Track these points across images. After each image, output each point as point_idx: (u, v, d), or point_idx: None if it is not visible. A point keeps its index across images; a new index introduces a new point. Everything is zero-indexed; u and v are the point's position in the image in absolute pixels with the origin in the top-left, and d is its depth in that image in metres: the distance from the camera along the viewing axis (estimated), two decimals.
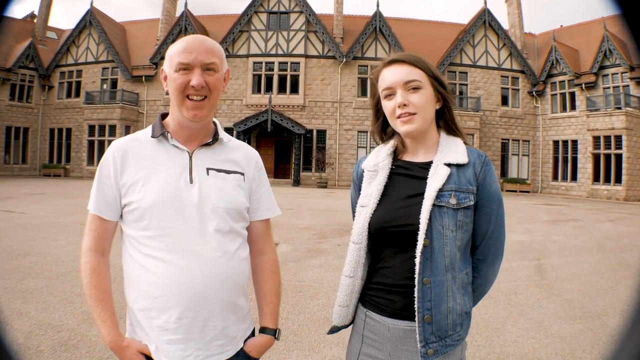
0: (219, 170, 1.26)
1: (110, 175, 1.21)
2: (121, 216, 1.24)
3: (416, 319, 1.16)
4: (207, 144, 1.28)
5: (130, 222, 1.21)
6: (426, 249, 1.16)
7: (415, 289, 1.16)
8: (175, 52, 1.21)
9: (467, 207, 1.19)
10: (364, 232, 1.24)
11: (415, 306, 1.16)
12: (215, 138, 1.29)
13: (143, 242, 1.19)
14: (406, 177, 1.26)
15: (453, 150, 1.24)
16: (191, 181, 1.21)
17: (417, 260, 1.15)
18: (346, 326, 1.35)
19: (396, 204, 1.23)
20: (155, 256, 1.17)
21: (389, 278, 1.23)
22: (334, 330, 1.35)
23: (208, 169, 1.25)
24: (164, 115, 1.32)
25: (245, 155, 1.35)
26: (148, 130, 1.28)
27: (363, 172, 1.34)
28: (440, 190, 1.17)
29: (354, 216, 1.35)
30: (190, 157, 1.24)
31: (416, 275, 1.16)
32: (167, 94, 1.22)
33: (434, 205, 1.16)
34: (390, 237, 1.22)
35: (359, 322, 1.30)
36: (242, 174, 1.31)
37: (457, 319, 1.18)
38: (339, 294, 1.30)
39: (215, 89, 1.22)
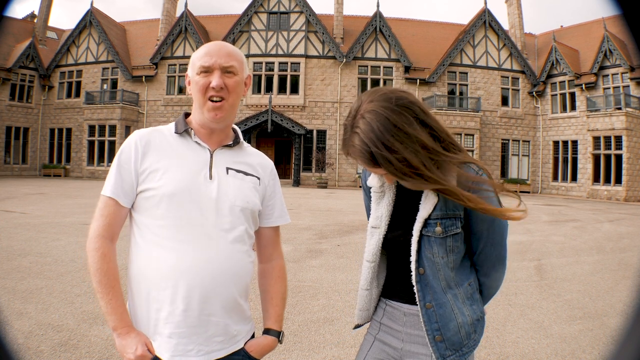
0: (237, 171, 1.31)
1: (130, 161, 1.22)
2: (133, 205, 1.25)
3: (427, 340, 1.20)
4: (228, 146, 1.33)
5: (145, 210, 1.22)
6: (422, 277, 1.19)
7: (420, 314, 1.20)
8: (197, 57, 1.27)
9: (455, 234, 1.18)
10: (377, 252, 1.27)
11: (424, 329, 1.20)
12: (237, 141, 1.35)
13: (156, 231, 1.19)
14: (406, 200, 1.26)
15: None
16: (210, 177, 1.25)
17: (415, 289, 1.19)
18: (368, 322, 1.42)
19: (402, 226, 1.26)
20: (167, 246, 1.18)
21: (407, 279, 1.27)
22: (358, 326, 1.41)
23: (228, 168, 1.29)
24: (187, 115, 1.36)
25: (261, 163, 1.40)
26: (171, 126, 1.32)
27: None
28: (428, 219, 1.17)
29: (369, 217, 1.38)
30: (211, 155, 1.28)
31: (417, 302, 1.20)
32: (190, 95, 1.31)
33: (422, 235, 1.18)
34: (402, 250, 1.26)
35: (379, 311, 1.36)
36: (258, 178, 1.36)
37: (470, 328, 1.20)
38: (359, 302, 1.35)
39: (234, 90, 1.27)
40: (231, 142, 1.34)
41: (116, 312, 1.18)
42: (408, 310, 1.27)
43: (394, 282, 1.31)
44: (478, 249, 1.25)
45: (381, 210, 1.28)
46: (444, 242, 1.17)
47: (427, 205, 1.17)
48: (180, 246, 1.18)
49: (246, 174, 1.32)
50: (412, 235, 1.20)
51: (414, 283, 1.19)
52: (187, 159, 1.25)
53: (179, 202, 1.19)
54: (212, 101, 1.25)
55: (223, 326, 1.23)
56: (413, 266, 1.19)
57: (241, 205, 1.27)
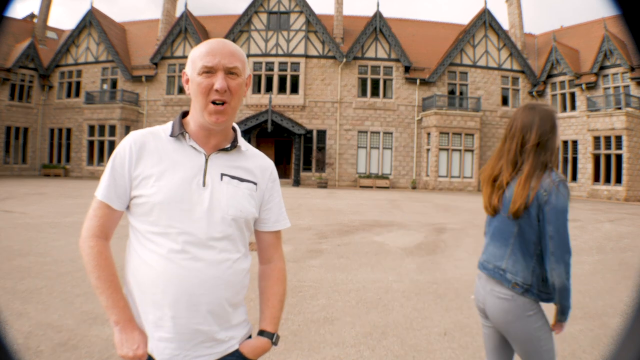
0: (232, 177, 1.27)
1: (124, 165, 1.21)
2: (128, 207, 1.24)
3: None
4: (225, 149, 1.28)
5: (137, 215, 1.22)
6: None
7: None
8: (198, 56, 1.22)
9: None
10: None
11: None
12: (234, 145, 1.30)
13: (148, 237, 1.19)
14: None
15: None
16: (204, 184, 1.22)
17: None
18: None
19: None
20: (158, 252, 1.17)
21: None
22: None
23: (222, 175, 1.25)
24: (185, 114, 1.32)
25: (260, 166, 1.35)
26: (167, 127, 1.28)
27: None
28: None
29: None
30: (206, 160, 1.25)
31: None
32: (188, 95, 1.28)
33: None
34: None
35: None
36: (255, 183, 1.31)
37: None
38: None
39: (236, 93, 1.23)
40: (228, 146, 1.29)
41: (117, 306, 1.18)
42: None
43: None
44: None
45: None
46: None
47: None
48: (170, 254, 1.17)
49: (241, 180, 1.28)
50: None
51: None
52: (180, 165, 1.22)
53: (170, 211, 1.18)
54: (215, 104, 1.20)
55: (212, 333, 1.22)
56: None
57: (234, 215, 1.24)
